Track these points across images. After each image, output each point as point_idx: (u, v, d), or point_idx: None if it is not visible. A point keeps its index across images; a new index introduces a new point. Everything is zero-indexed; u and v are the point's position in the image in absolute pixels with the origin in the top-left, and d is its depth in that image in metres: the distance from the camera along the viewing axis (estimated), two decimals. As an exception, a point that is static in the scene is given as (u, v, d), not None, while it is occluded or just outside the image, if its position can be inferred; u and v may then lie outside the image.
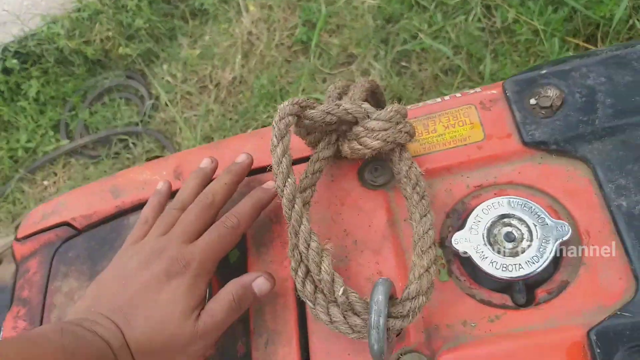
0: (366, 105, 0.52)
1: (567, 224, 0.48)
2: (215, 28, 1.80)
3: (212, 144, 0.70)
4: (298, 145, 0.58)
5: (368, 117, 0.51)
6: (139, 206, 0.66)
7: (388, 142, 0.50)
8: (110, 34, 1.84)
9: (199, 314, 0.49)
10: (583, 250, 0.49)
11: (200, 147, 0.71)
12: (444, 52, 1.37)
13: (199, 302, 0.49)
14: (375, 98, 0.68)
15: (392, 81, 1.41)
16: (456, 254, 0.52)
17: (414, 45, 1.44)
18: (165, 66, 1.83)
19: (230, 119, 1.58)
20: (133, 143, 1.70)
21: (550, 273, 0.49)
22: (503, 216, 0.50)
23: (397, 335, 0.50)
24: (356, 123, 0.52)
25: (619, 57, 0.54)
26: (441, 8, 1.45)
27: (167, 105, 1.71)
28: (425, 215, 0.47)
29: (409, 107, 0.62)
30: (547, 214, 0.49)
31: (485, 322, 0.49)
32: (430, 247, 0.45)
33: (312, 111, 0.52)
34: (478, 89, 0.59)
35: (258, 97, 1.53)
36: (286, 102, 0.50)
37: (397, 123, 0.50)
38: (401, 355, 0.49)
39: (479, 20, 1.38)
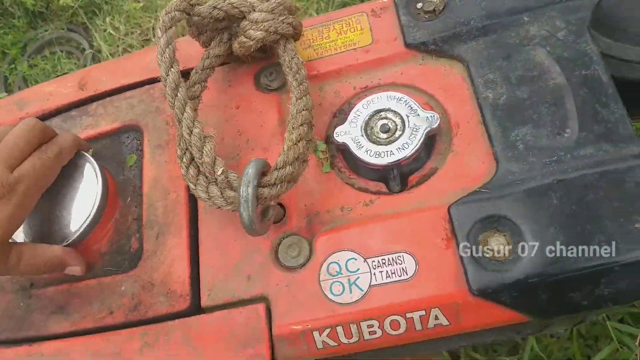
0: (253, -1, 0.53)
1: (436, 114, 0.51)
2: (159, -19, 1.77)
3: (114, 59, 0.71)
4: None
5: (254, 10, 0.53)
6: (41, 117, 0.67)
7: (270, 32, 0.52)
8: (50, -16, 1.79)
9: (15, 245, 0.49)
10: (452, 139, 0.52)
11: (105, 62, 0.71)
12: None
13: (16, 229, 0.49)
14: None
15: None
16: (339, 148, 0.55)
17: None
18: (108, 19, 1.79)
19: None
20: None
21: (422, 162, 0.53)
22: (379, 110, 0.53)
23: (276, 221, 0.52)
24: (244, 18, 0.54)
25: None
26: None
27: (108, 57, 1.68)
28: (300, 98, 0.49)
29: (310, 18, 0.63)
30: (419, 106, 0.52)
31: (360, 207, 0.52)
32: (302, 124, 0.48)
33: (200, 7, 0.53)
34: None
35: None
36: (175, -1, 0.51)
37: (280, 14, 0.52)
38: (283, 239, 0.51)
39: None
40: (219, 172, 0.48)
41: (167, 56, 0.50)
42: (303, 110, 0.48)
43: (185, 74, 0.56)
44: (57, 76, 1.62)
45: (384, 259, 0.47)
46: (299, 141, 0.46)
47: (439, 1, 0.56)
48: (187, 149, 0.51)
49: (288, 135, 0.47)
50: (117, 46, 1.75)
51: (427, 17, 0.57)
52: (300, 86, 0.50)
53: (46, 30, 1.87)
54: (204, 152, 0.49)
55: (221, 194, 0.48)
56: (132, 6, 1.78)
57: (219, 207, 0.49)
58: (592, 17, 0.53)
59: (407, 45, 0.56)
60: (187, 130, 0.49)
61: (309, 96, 0.50)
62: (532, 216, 0.45)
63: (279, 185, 0.46)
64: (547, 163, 0.47)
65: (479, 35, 0.54)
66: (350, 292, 0.47)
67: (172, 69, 0.50)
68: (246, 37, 0.53)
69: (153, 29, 1.74)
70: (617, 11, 0.58)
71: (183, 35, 0.63)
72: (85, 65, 1.73)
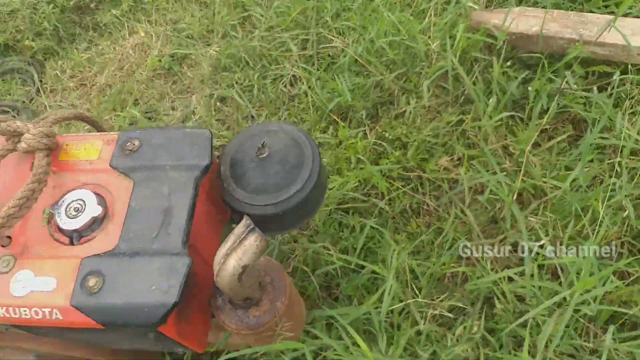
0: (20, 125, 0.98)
1: (101, 208, 0.95)
2: (107, 42, 2.25)
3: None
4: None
5: (28, 132, 0.98)
6: None
7: (32, 145, 0.97)
8: (22, 27, 2.28)
9: None
10: (109, 222, 0.96)
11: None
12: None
13: None
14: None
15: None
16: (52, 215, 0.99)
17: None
18: (60, 62, 2.27)
19: (90, 113, 2.02)
20: (13, 115, 2.12)
21: (92, 231, 0.96)
22: (77, 199, 0.97)
23: (5, 245, 0.96)
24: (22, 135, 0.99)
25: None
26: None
27: (49, 92, 2.15)
28: (29, 184, 0.94)
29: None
30: (95, 202, 0.96)
31: (55, 248, 0.95)
32: (22, 197, 0.92)
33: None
34: (112, 134, 1.07)
35: (111, 102, 1.99)
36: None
37: (41, 137, 0.97)
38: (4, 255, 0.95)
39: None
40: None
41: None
42: (27, 190, 0.92)
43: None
44: (5, 99, 2.09)
45: (41, 278, 0.91)
46: (19, 199, 0.90)
47: (133, 146, 1.02)
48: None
49: (14, 198, 0.91)
50: (60, 84, 2.22)
51: (127, 152, 1.02)
52: (34, 177, 0.94)
53: (12, 61, 2.35)
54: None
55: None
56: (80, 56, 2.26)
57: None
58: (229, 172, 0.99)
59: (111, 165, 1.01)
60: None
61: (36, 184, 0.94)
62: (112, 270, 0.88)
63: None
64: (138, 245, 0.91)
65: (143, 170, 1.00)
66: (20, 293, 0.90)
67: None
68: (24, 144, 0.97)
69: (89, 78, 2.22)
70: (235, 171, 1.04)
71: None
72: (32, 96, 2.20)
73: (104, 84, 2.11)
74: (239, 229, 0.85)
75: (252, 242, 0.82)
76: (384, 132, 1.62)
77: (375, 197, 1.53)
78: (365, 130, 1.67)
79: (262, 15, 2.01)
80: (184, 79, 2.07)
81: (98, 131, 1.23)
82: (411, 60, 1.73)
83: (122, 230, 0.94)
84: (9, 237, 0.96)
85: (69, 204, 0.97)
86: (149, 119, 1.96)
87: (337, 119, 1.71)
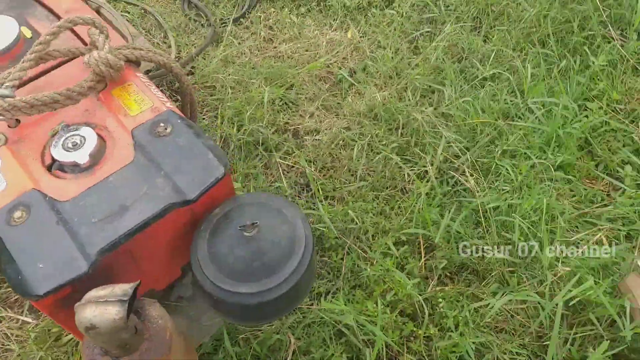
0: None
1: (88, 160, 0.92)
2: (313, 22, 2.27)
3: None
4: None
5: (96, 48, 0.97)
6: None
7: (89, 64, 0.96)
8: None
9: None
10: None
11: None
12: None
13: None
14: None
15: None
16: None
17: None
18: (272, 9, 2.36)
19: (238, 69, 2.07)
20: (200, 22, 2.26)
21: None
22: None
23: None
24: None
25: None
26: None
27: (240, 26, 2.25)
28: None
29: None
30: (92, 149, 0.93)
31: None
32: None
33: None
34: (165, 106, 1.02)
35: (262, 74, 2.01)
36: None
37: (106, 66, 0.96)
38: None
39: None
40: None
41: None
42: (50, 96, 0.92)
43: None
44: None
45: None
46: (36, 99, 0.90)
47: (162, 131, 0.95)
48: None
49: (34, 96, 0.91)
50: (251, 27, 2.30)
51: (152, 131, 0.96)
52: (66, 90, 0.94)
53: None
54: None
55: None
56: (288, 16, 2.31)
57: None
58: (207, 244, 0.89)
59: (132, 131, 0.97)
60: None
61: (62, 97, 0.94)
62: (37, 219, 0.84)
63: None
64: (75, 216, 0.86)
65: (146, 158, 0.93)
66: None
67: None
68: (86, 58, 0.97)
69: (275, 42, 2.26)
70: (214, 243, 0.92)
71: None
72: (233, 16, 2.32)
73: (276, 55, 2.13)
74: (123, 287, 0.74)
75: (113, 312, 0.71)
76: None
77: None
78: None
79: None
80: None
81: (182, 94, 1.20)
82: None
83: (80, 194, 0.89)
84: (17, 120, 0.97)
85: (74, 135, 0.95)
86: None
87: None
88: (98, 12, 2.20)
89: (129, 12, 2.31)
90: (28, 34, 1.09)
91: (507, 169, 1.68)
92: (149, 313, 0.89)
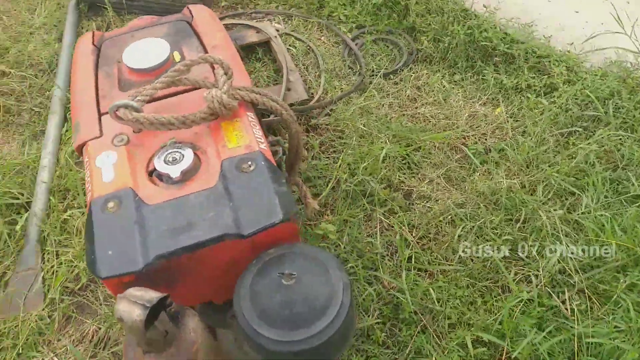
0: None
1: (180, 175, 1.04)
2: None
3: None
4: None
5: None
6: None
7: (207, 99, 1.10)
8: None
9: None
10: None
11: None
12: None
13: None
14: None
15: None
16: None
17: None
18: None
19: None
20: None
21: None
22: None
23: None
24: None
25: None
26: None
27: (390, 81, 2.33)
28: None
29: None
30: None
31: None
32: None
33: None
34: (260, 146, 1.11)
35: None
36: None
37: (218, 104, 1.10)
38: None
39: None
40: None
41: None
42: (166, 119, 1.08)
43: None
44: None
45: (113, 170, 1.08)
46: (156, 120, 1.07)
47: (246, 168, 1.05)
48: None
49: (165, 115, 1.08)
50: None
51: (238, 167, 1.06)
52: (181, 116, 1.09)
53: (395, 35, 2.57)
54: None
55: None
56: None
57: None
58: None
59: (222, 161, 1.08)
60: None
61: (177, 122, 1.09)
62: (125, 215, 0.99)
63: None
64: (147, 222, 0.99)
65: (223, 187, 1.03)
66: (99, 163, 1.10)
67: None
68: (205, 94, 1.12)
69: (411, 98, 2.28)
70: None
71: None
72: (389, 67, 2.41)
73: (414, 115, 2.14)
74: (152, 295, 0.82)
75: (135, 314, 0.79)
76: None
77: None
78: None
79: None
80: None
81: (290, 137, 1.30)
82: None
83: (163, 202, 1.02)
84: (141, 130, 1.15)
85: (177, 152, 1.09)
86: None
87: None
88: (268, 42, 2.47)
89: (295, 47, 2.54)
90: (177, 58, 1.29)
91: (630, 305, 1.45)
92: (186, 322, 0.97)
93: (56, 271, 1.68)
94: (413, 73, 2.35)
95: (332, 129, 2.11)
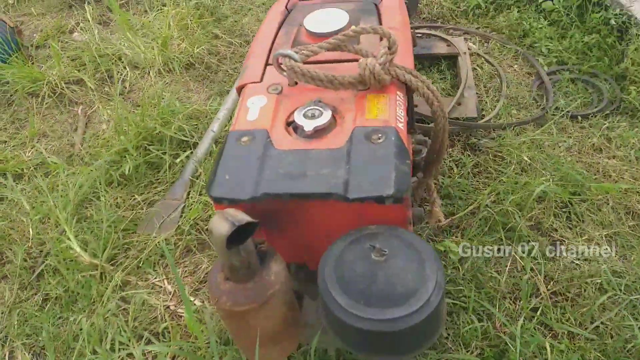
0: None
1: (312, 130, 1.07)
2: None
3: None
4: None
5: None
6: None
7: (361, 67, 1.11)
8: None
9: None
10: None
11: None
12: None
13: None
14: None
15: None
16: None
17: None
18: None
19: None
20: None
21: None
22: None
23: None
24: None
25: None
26: None
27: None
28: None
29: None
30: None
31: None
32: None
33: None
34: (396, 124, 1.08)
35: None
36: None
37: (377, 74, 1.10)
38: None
39: None
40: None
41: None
42: (326, 76, 1.11)
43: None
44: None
45: (257, 111, 1.16)
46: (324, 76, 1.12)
47: (375, 139, 1.03)
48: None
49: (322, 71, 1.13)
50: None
51: (368, 136, 1.04)
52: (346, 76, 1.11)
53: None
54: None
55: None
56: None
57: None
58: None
59: (355, 128, 1.07)
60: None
61: (330, 79, 1.12)
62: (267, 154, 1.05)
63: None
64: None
65: (348, 156, 1.02)
66: (249, 104, 1.18)
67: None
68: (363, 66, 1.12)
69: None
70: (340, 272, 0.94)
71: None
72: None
73: (591, 164, 1.86)
74: (243, 217, 0.84)
75: (222, 228, 0.82)
76: None
77: None
78: None
79: None
80: None
81: (434, 134, 1.24)
82: None
83: (289, 150, 1.05)
84: (296, 82, 1.20)
85: (317, 110, 1.11)
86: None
87: None
88: (456, 57, 2.41)
89: (482, 68, 2.43)
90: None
91: None
92: (270, 264, 0.99)
93: (193, 207, 1.86)
94: (608, 122, 2.07)
95: (493, 153, 1.96)
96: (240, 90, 1.27)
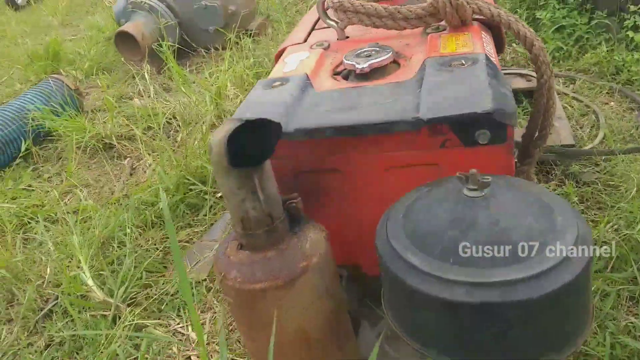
0: None
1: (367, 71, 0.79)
2: None
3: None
4: None
5: None
6: None
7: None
8: None
9: None
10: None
11: None
12: None
13: None
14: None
15: None
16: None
17: None
18: None
19: None
20: None
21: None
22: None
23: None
24: None
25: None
26: None
27: None
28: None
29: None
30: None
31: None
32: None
33: None
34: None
35: None
36: None
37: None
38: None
39: None
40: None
41: None
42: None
43: None
44: None
45: (297, 65, 0.90)
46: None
47: (454, 65, 0.72)
48: None
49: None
50: None
51: (444, 63, 0.74)
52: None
53: None
54: None
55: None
56: None
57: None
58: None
59: (427, 59, 0.78)
60: None
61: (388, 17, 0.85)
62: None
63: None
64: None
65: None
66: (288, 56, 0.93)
67: None
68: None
69: None
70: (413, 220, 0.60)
71: None
72: None
73: None
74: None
75: (225, 128, 0.52)
76: None
77: None
78: None
79: None
80: None
81: (537, 91, 0.92)
82: None
83: (331, 89, 0.77)
84: (347, 36, 0.95)
85: (375, 50, 0.84)
86: None
87: None
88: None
89: (572, 107, 2.09)
90: None
91: None
92: (306, 230, 0.66)
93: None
94: None
95: (603, 183, 1.56)
96: (279, 56, 1.03)
